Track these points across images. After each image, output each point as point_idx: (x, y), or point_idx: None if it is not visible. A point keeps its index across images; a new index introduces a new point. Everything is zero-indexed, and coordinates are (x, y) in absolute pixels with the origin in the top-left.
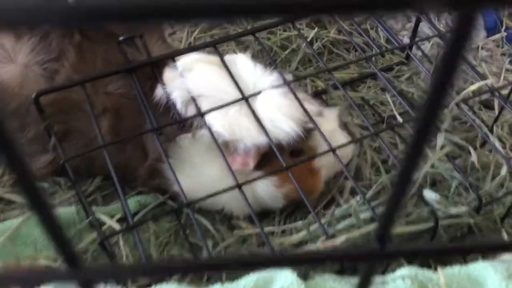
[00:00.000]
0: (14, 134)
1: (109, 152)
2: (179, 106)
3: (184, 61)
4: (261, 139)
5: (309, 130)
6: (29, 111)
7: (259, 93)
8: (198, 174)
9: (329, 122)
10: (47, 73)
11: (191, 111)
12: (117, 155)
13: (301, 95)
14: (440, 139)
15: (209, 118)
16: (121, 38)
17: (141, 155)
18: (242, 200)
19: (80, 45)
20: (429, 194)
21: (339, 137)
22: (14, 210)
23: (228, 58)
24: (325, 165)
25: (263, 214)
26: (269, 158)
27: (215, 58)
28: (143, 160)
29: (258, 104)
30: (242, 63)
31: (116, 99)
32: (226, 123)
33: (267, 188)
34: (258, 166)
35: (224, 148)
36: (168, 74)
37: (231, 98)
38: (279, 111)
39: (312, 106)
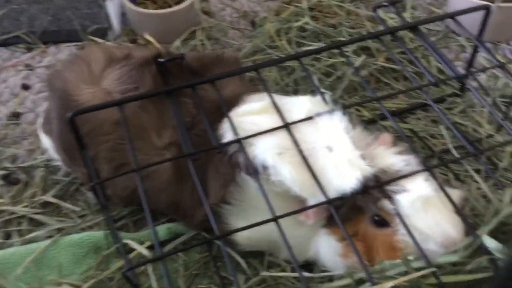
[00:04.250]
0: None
1: (164, 188)
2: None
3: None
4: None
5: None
6: (99, 134)
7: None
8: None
9: (424, 188)
10: None
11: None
12: (174, 192)
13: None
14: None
15: (283, 171)
16: (161, 60)
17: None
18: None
19: (156, 76)
20: (490, 242)
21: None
22: (42, 231)
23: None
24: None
25: None
26: (347, 218)
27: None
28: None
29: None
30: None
31: None
32: (300, 180)
33: (328, 252)
34: (330, 224)
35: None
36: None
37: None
38: (351, 165)
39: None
